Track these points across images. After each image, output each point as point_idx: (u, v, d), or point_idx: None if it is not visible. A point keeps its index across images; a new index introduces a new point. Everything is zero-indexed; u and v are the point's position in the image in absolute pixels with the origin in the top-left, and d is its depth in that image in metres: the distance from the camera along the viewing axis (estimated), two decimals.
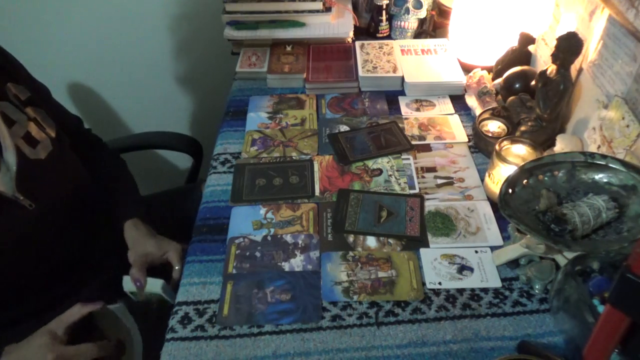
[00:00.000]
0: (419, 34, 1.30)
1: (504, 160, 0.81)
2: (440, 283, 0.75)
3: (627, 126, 0.74)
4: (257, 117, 1.08)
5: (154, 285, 0.87)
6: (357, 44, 1.26)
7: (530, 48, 1.10)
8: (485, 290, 0.75)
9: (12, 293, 0.82)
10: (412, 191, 0.90)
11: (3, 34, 0.88)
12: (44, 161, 0.83)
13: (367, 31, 1.34)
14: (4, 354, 0.73)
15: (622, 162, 0.72)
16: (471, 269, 0.77)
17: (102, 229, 0.96)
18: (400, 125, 1.05)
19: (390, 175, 0.94)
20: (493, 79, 1.11)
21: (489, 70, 1.13)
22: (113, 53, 1.60)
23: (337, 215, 0.86)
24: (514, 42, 1.09)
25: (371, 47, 1.25)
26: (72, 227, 0.89)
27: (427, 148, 1.00)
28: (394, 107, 1.11)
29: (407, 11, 1.27)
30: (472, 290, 0.75)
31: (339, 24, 1.28)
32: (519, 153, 0.86)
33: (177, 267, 0.90)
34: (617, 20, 0.78)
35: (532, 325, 0.70)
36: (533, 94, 0.94)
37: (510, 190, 0.74)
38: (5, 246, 0.78)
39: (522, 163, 0.78)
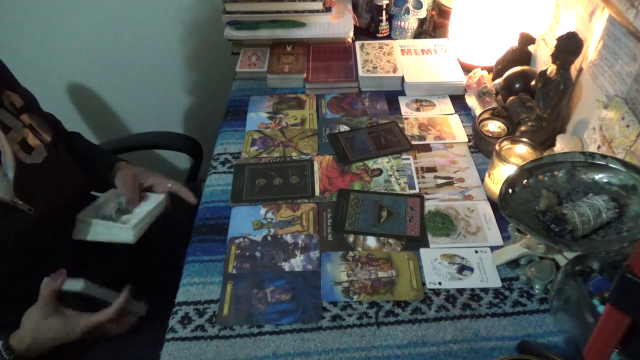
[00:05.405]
0: (419, 34, 1.30)
1: (504, 160, 0.81)
2: (440, 283, 0.75)
3: (627, 126, 0.74)
4: (257, 117, 1.08)
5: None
6: (357, 44, 1.26)
7: (530, 48, 1.10)
8: (485, 290, 0.75)
9: (11, 297, 0.82)
10: (412, 191, 0.90)
11: (3, 34, 0.87)
12: (40, 165, 0.83)
13: (367, 31, 1.34)
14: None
15: (622, 162, 0.72)
16: (471, 269, 0.77)
17: None
18: (400, 125, 1.05)
19: (390, 175, 0.94)
20: (493, 79, 1.11)
21: (489, 70, 1.12)
22: (113, 53, 1.60)
23: (337, 215, 0.86)
24: (514, 42, 1.08)
25: (371, 47, 1.25)
26: (71, 230, 0.89)
27: (427, 148, 1.00)
28: (394, 107, 1.11)
29: (407, 11, 1.27)
30: (472, 290, 0.75)
31: (339, 24, 1.28)
32: (519, 153, 0.86)
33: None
34: (617, 20, 0.78)
35: (532, 325, 0.70)
36: (533, 94, 0.94)
37: (510, 190, 0.74)
38: (6, 250, 0.78)
39: (522, 163, 0.78)
